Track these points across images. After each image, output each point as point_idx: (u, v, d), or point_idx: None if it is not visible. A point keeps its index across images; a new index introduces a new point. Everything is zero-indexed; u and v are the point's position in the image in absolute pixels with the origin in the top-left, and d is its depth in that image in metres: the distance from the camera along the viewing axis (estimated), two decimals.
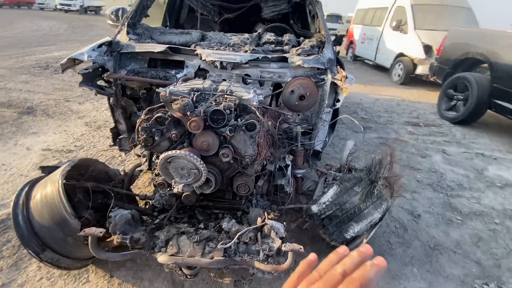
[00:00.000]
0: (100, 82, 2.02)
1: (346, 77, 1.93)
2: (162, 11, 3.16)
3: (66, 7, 24.78)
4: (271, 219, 1.47)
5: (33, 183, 1.51)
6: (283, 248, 1.29)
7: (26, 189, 1.47)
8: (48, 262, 1.38)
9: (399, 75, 7.27)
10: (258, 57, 1.96)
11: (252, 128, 1.43)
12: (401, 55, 7.16)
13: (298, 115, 2.15)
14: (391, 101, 5.76)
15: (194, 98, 1.46)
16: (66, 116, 3.74)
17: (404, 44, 7.07)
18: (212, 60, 1.89)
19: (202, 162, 1.30)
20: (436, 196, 2.62)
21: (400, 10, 7.45)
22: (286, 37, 2.32)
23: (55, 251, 1.39)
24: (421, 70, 6.56)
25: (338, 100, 2.04)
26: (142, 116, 1.42)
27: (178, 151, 1.27)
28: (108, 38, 2.04)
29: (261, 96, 1.60)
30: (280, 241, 1.34)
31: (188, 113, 1.36)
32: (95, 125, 3.53)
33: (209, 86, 1.60)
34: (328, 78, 1.97)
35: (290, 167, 1.75)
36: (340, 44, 2.61)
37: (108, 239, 1.45)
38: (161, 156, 1.31)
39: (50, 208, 1.35)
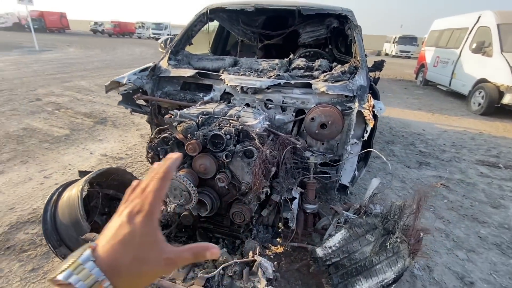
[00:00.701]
0: (140, 102, 2.29)
1: (374, 106, 1.73)
2: (210, 39, 3.47)
3: (156, 36, 30.16)
4: (264, 255, 1.36)
5: (67, 184, 1.76)
6: None
7: (60, 189, 1.72)
8: (62, 257, 1.56)
9: (479, 104, 6.17)
10: (280, 83, 1.93)
11: (250, 155, 1.39)
12: (482, 81, 6.12)
13: (323, 143, 2.01)
14: (464, 134, 4.88)
15: (200, 121, 1.51)
16: (128, 127, 4.33)
17: (487, 68, 6.04)
18: (234, 85, 1.95)
19: (192, 185, 1.30)
20: (503, 262, 2.02)
21: (483, 30, 6.47)
22: (317, 63, 2.24)
23: (69, 248, 1.56)
24: (509, 99, 5.45)
25: (367, 131, 1.84)
26: (152, 135, 1.53)
27: None
28: (151, 64, 2.32)
29: (266, 123, 1.56)
30: (265, 282, 1.22)
31: (189, 135, 1.41)
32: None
33: (219, 110, 1.64)
34: (355, 107, 1.81)
35: (297, 200, 1.61)
36: (380, 70, 2.37)
37: None
38: None
39: (70, 208, 1.54)
